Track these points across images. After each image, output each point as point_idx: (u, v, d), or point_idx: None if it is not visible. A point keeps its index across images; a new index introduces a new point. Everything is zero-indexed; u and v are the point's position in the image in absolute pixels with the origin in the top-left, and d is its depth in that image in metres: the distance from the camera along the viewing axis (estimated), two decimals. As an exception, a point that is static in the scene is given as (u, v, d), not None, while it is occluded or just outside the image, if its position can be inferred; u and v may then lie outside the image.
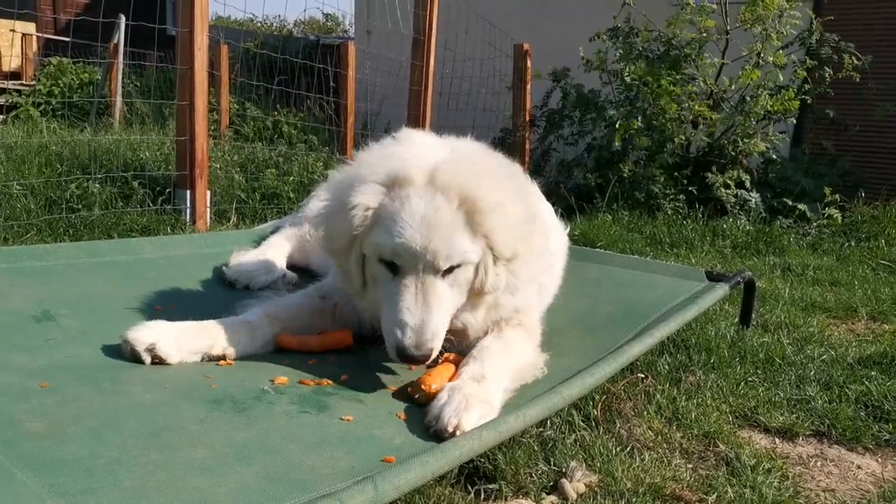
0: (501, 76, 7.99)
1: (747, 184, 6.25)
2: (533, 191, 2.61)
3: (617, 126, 6.25)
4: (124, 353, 1.85)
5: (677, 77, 6.21)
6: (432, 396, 1.76)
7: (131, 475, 1.27)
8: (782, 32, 6.15)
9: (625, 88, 6.59)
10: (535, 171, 7.35)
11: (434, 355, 1.81)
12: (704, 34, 6.34)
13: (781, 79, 6.26)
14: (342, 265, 1.95)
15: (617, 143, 6.20)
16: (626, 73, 6.47)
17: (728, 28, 6.43)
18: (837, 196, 6.09)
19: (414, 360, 1.76)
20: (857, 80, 6.59)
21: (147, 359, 1.83)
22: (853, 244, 5.62)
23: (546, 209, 2.84)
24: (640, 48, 6.68)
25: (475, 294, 1.94)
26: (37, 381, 1.62)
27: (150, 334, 1.85)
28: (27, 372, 1.66)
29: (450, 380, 1.84)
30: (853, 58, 6.52)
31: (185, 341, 1.89)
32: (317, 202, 3.03)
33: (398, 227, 1.77)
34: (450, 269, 1.83)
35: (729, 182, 6.18)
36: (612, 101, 6.93)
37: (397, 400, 1.83)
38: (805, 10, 6.46)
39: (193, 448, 1.42)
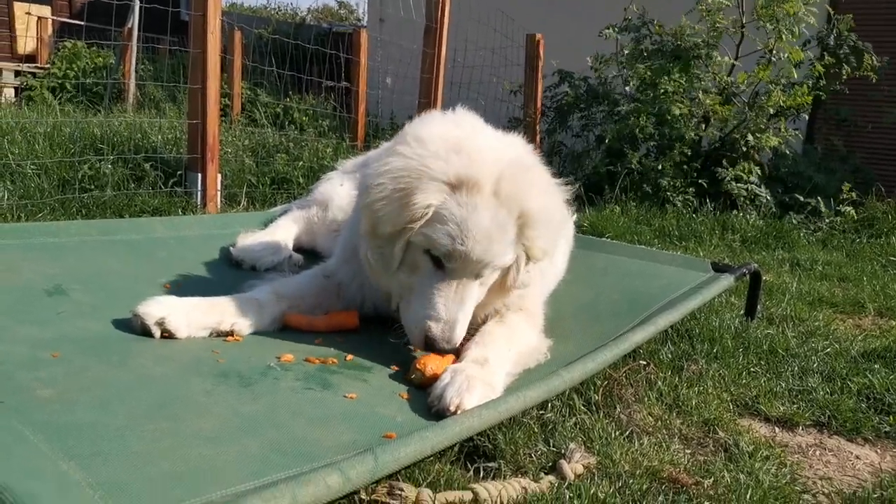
0: (513, 66, 7.97)
1: (758, 178, 6.23)
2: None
3: (630, 122, 6.24)
4: (135, 327, 1.88)
5: (685, 77, 6.18)
6: (428, 379, 1.80)
7: (139, 442, 1.30)
8: (795, 32, 6.10)
9: (639, 84, 6.56)
10: (545, 162, 7.34)
11: (456, 347, 1.87)
12: (719, 26, 6.30)
13: (795, 75, 6.21)
14: (381, 247, 1.92)
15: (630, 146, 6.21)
16: (632, 77, 6.46)
17: (744, 22, 6.38)
18: (854, 193, 6.05)
19: (439, 350, 1.83)
20: (874, 80, 6.53)
21: (157, 332, 1.86)
22: (864, 240, 5.60)
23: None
24: (650, 45, 6.65)
25: (503, 291, 2.03)
26: (48, 351, 1.65)
27: (161, 309, 1.88)
28: (38, 343, 1.70)
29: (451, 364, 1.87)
30: (872, 58, 6.46)
31: (194, 316, 1.92)
32: (333, 183, 3.06)
33: (462, 234, 1.80)
34: None
35: (740, 176, 6.16)
36: (623, 94, 6.92)
37: (400, 380, 1.85)
38: (824, 6, 6.40)
39: (200, 419, 1.45)
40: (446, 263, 1.85)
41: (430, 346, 1.84)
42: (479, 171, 1.84)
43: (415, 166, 1.84)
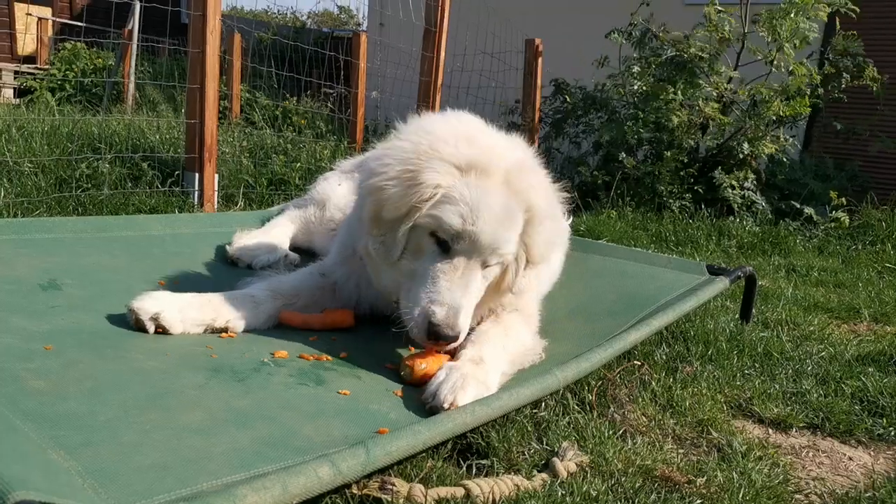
0: (512, 70, 8.00)
1: (754, 185, 6.25)
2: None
3: (627, 129, 6.26)
4: (129, 322, 1.88)
5: (688, 89, 6.19)
6: (418, 376, 1.80)
7: (130, 432, 1.30)
8: (796, 44, 6.12)
9: (640, 94, 6.57)
10: (544, 166, 7.37)
11: (461, 339, 1.82)
12: (722, 35, 6.31)
13: (802, 86, 6.21)
14: (382, 234, 1.88)
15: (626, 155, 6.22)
16: (633, 85, 6.48)
17: (745, 31, 6.40)
18: (844, 199, 6.08)
19: (443, 337, 1.76)
20: (874, 90, 6.52)
21: (151, 327, 1.86)
22: (860, 247, 5.61)
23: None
24: (651, 52, 6.67)
25: (499, 292, 2.00)
26: (40, 344, 1.65)
27: (155, 304, 1.88)
28: (32, 335, 1.70)
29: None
30: (874, 70, 6.47)
31: (188, 312, 1.92)
32: (332, 182, 3.07)
33: (473, 214, 1.78)
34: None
35: (735, 183, 6.17)
36: (622, 102, 6.93)
37: (394, 378, 1.85)
38: (828, 20, 6.41)
39: (191, 411, 1.45)
40: (454, 245, 1.81)
41: (434, 332, 1.75)
42: (489, 159, 1.84)
43: (424, 149, 1.84)
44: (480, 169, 1.83)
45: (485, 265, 1.86)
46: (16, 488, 0.89)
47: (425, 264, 1.84)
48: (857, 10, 6.15)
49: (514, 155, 1.94)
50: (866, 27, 6.97)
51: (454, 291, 1.79)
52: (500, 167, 1.85)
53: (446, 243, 1.82)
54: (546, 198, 1.97)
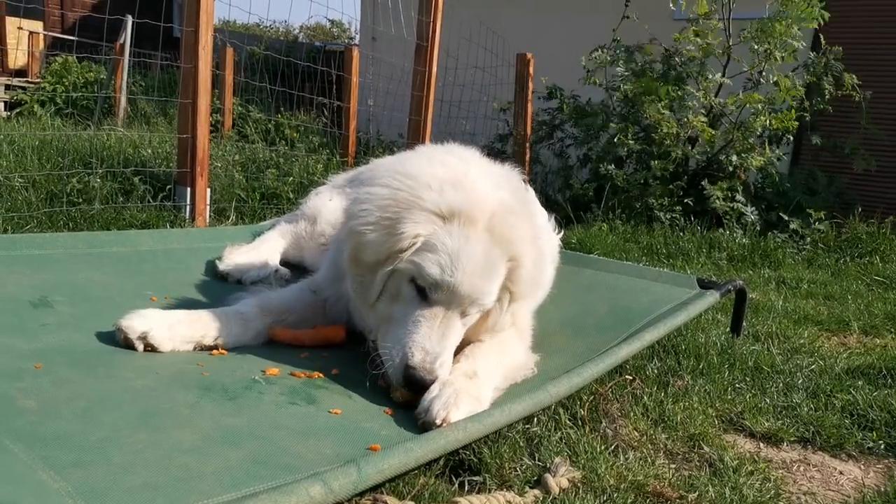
0: (504, 84, 8.05)
1: (743, 197, 6.30)
2: (531, 198, 2.71)
3: (616, 140, 6.32)
4: (118, 341, 1.87)
5: (677, 94, 6.25)
6: (409, 397, 1.78)
7: (121, 452, 1.30)
8: (787, 50, 6.20)
9: (624, 101, 6.64)
10: (531, 180, 7.41)
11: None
12: (707, 46, 6.39)
13: (788, 100, 6.28)
14: (361, 276, 1.89)
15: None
16: (622, 90, 6.53)
17: (730, 43, 6.49)
18: (822, 214, 6.17)
19: (421, 382, 1.74)
20: (857, 99, 6.62)
21: (140, 346, 1.85)
22: (848, 260, 5.66)
23: (539, 214, 2.88)
24: (640, 64, 6.74)
25: (480, 330, 1.99)
26: (31, 362, 1.64)
27: (144, 322, 1.87)
28: (22, 353, 1.69)
29: None
30: (853, 77, 6.56)
31: (177, 330, 1.91)
32: (323, 197, 3.07)
33: (452, 265, 1.76)
34: None
35: (721, 194, 6.22)
36: (613, 112, 6.99)
37: (386, 397, 1.85)
38: (810, 35, 6.50)
39: (182, 430, 1.45)
40: (431, 294, 1.79)
41: (410, 377, 1.74)
42: (473, 205, 1.82)
43: (404, 196, 1.82)
44: (465, 216, 1.80)
45: (464, 315, 1.84)
46: (5, 511, 0.89)
47: (405, 309, 1.83)
48: (826, 13, 6.20)
49: (502, 196, 1.91)
50: (850, 45, 7.06)
51: (433, 338, 1.77)
52: (485, 213, 1.83)
53: (425, 291, 1.80)
54: (534, 242, 1.95)
